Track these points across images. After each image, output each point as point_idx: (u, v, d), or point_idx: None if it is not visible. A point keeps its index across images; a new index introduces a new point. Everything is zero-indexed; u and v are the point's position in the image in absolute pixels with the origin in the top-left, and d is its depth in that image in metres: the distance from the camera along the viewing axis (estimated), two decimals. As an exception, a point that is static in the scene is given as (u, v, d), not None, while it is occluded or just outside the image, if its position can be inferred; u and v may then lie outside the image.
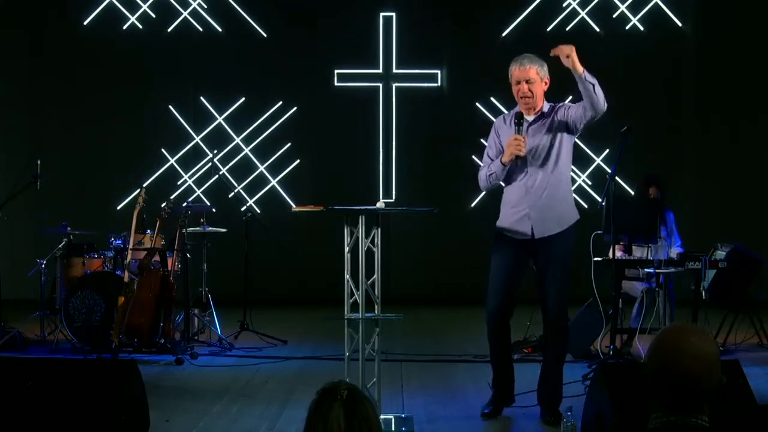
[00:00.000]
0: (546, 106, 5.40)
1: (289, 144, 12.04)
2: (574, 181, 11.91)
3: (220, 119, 12.07)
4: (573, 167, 11.63)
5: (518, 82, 5.33)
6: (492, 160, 5.44)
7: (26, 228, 11.29)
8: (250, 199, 11.93)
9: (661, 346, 2.39)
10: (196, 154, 12.03)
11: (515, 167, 5.34)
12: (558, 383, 5.45)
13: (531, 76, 5.30)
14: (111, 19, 12.01)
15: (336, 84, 12.02)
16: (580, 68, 5.07)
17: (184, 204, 8.50)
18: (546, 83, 5.37)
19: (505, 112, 5.64)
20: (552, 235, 5.35)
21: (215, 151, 9.73)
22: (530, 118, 5.39)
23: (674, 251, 7.39)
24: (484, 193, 5.60)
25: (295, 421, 5.39)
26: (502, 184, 5.51)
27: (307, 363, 7.44)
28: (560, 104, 5.43)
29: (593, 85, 5.10)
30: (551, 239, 5.35)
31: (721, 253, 7.51)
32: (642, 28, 12.00)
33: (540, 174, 5.33)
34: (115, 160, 11.88)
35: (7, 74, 12.11)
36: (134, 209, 7.81)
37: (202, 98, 12.06)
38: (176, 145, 12.03)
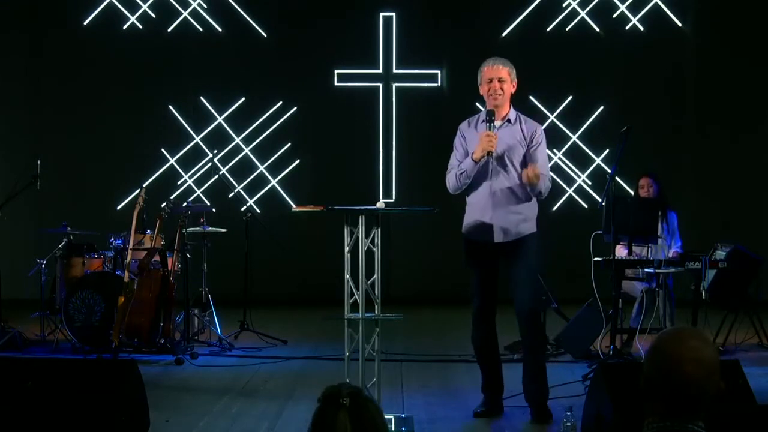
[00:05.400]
0: (512, 114, 5.48)
1: (289, 144, 12.04)
2: (573, 181, 11.91)
3: (220, 119, 12.06)
4: (573, 167, 11.81)
5: (490, 80, 5.44)
6: (460, 162, 5.49)
7: (26, 228, 11.28)
8: (250, 199, 11.92)
9: (660, 350, 2.33)
10: (196, 154, 12.02)
11: (481, 169, 5.37)
12: (541, 379, 5.45)
13: (503, 75, 5.44)
14: (111, 19, 12.00)
15: (336, 84, 12.01)
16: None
17: (184, 204, 8.50)
18: (514, 86, 5.50)
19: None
20: (514, 240, 5.39)
21: (215, 151, 9.73)
22: (497, 123, 5.44)
23: (672, 251, 7.40)
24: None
25: (295, 421, 5.40)
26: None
27: (307, 363, 7.44)
28: (526, 121, 5.49)
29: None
30: (514, 243, 5.39)
31: (721, 253, 7.51)
32: (642, 28, 11.99)
33: (504, 179, 5.39)
34: (115, 160, 11.86)
35: (7, 74, 12.10)
36: (134, 209, 7.81)
37: (202, 98, 12.06)
38: (176, 145, 12.02)
